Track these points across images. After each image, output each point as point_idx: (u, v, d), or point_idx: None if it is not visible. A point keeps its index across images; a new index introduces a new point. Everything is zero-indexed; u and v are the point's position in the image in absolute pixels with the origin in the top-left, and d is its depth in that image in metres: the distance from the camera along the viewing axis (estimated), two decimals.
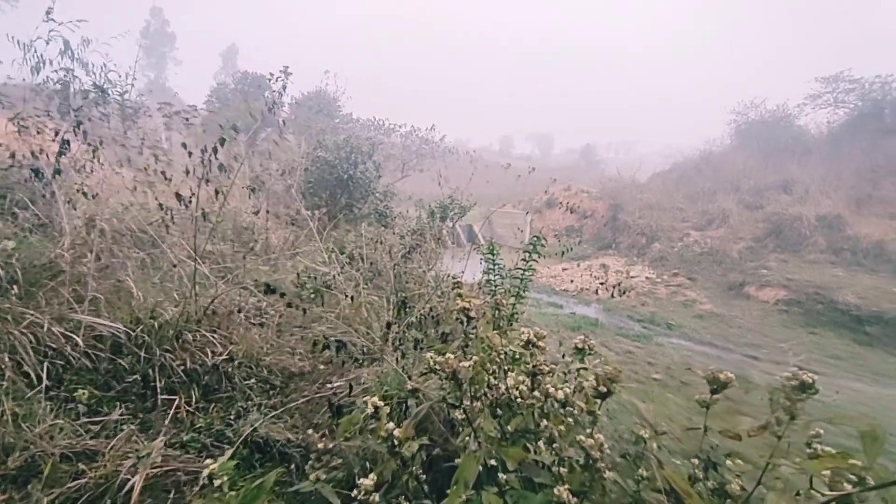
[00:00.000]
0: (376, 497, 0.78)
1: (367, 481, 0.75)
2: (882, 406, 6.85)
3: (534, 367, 1.09)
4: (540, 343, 1.13)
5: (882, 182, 15.53)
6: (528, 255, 3.77)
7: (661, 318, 11.05)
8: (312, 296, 3.69)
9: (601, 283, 13.37)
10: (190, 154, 2.62)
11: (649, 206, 21.34)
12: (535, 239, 3.83)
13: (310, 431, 1.08)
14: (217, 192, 2.39)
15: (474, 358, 1.02)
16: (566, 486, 0.87)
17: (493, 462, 0.92)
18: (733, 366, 8.23)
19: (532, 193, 29.71)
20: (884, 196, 14.61)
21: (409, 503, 0.88)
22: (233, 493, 0.79)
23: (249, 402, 2.21)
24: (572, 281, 15.16)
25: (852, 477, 1.03)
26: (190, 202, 2.42)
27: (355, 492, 0.77)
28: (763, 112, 23.40)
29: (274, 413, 2.09)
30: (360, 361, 2.64)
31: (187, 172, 2.87)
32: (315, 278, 3.82)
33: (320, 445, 0.88)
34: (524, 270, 3.86)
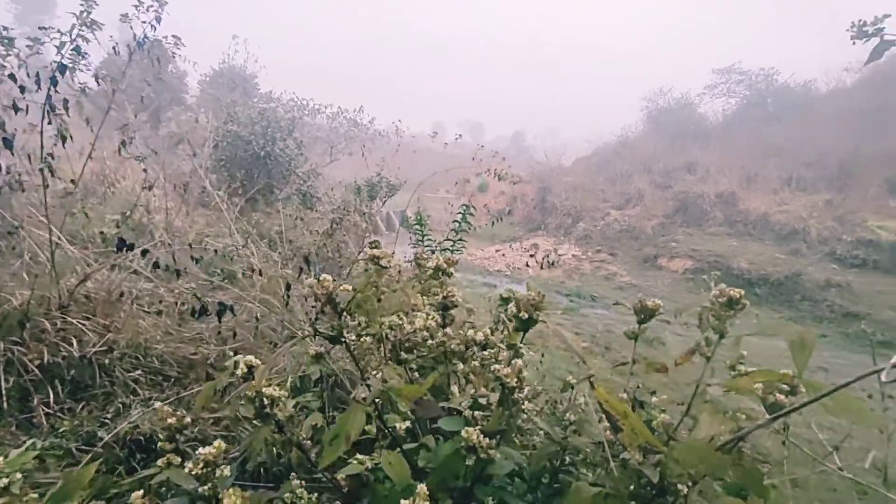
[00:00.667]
0: (226, 471, 0.60)
1: (208, 450, 0.57)
2: (768, 353, 7.80)
3: (444, 298, 0.96)
4: (450, 269, 0.99)
5: (766, 162, 17.63)
6: (461, 216, 3.69)
7: (586, 292, 11.70)
8: (224, 280, 3.32)
9: (531, 257, 13.84)
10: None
11: (574, 189, 22.45)
12: (464, 207, 3.76)
13: (158, 405, 0.85)
14: (62, 138, 1.96)
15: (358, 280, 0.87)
16: (478, 427, 0.75)
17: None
18: (652, 331, 8.93)
19: (464, 179, 30.04)
20: (767, 175, 16.59)
21: (285, 479, 0.71)
22: (34, 494, 0.57)
23: (134, 398, 1.89)
24: (504, 256, 15.58)
25: (784, 387, 1.03)
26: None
27: (189, 464, 0.59)
28: (670, 100, 25.46)
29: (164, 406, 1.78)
30: (274, 343, 2.39)
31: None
32: (228, 257, 3.44)
33: (171, 421, 0.68)
34: (457, 229, 3.77)
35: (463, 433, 0.73)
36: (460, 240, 3.98)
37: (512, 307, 0.97)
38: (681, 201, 16.55)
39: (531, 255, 14.32)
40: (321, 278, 0.67)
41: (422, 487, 0.63)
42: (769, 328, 1.05)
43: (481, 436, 0.73)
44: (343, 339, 0.70)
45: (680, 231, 14.67)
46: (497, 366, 0.87)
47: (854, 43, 1.25)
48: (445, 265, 1.01)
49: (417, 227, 3.75)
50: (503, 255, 16.30)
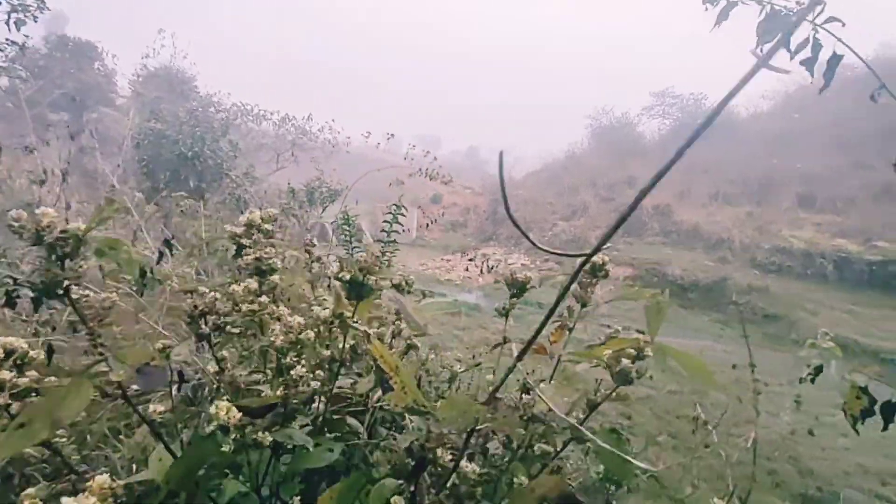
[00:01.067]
0: None
1: None
2: (695, 352, 8.23)
3: (257, 259, 0.81)
4: (266, 225, 0.85)
5: (697, 178, 18.97)
6: (392, 215, 3.59)
7: (533, 299, 11.86)
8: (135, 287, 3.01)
9: (481, 265, 13.95)
10: None
11: (524, 201, 23.09)
12: (394, 207, 3.66)
13: None
14: None
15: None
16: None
17: None
18: (591, 333, 9.19)
19: (417, 191, 30.12)
20: (698, 189, 17.85)
21: None
22: None
23: None
24: (454, 268, 15.61)
25: (632, 352, 1.01)
26: None
27: None
28: (612, 118, 26.98)
29: None
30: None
31: None
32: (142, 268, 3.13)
33: None
34: (388, 230, 3.65)
35: (212, 409, 0.58)
36: (392, 241, 3.87)
37: (336, 267, 0.81)
38: (620, 213, 17.38)
39: (475, 263, 14.44)
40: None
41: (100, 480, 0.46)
42: (631, 294, 1.03)
43: (235, 412, 0.57)
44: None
45: (621, 241, 15.37)
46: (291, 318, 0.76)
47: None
48: (261, 220, 0.85)
49: (345, 226, 3.60)
50: (453, 265, 16.34)
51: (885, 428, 1.08)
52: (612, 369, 1.03)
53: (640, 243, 14.96)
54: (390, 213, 3.91)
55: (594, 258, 1.14)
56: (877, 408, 1.06)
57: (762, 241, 12.55)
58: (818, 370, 1.90)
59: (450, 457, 0.67)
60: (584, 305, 1.21)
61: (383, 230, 3.93)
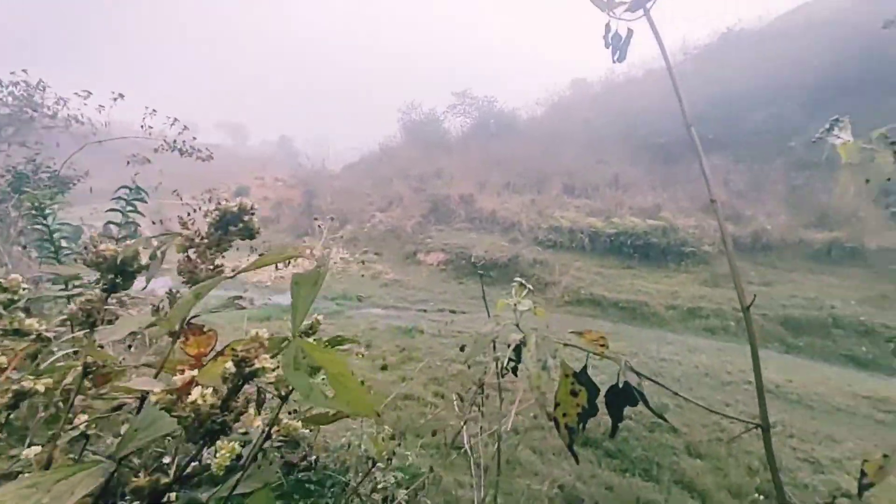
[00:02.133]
0: None
1: None
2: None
3: None
4: None
5: (493, 170, 21.61)
6: (124, 200, 2.72)
7: (352, 293, 11.61)
8: None
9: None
10: None
11: (340, 192, 22.46)
12: (125, 192, 2.80)
13: None
14: None
15: None
16: None
17: None
18: (412, 321, 9.45)
19: (220, 184, 26.17)
20: (494, 180, 20.33)
21: None
22: None
23: None
24: (261, 270, 14.09)
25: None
26: None
27: None
28: (421, 114, 28.47)
29: None
30: None
31: None
32: None
33: None
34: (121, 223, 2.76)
35: None
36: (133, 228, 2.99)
37: None
38: (433, 202, 18.53)
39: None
40: None
41: None
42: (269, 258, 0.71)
43: None
44: None
45: (433, 229, 16.34)
46: None
47: None
48: None
49: (39, 225, 2.59)
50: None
51: (612, 434, 0.99)
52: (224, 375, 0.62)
53: (449, 230, 16.17)
54: (120, 197, 3.02)
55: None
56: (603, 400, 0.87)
57: (542, 222, 15.04)
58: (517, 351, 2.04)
59: None
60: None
61: (110, 222, 3.02)
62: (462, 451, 4.64)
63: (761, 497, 4.17)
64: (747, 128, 17.61)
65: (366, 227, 18.31)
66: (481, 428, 4.88)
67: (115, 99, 5.13)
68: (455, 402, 5.75)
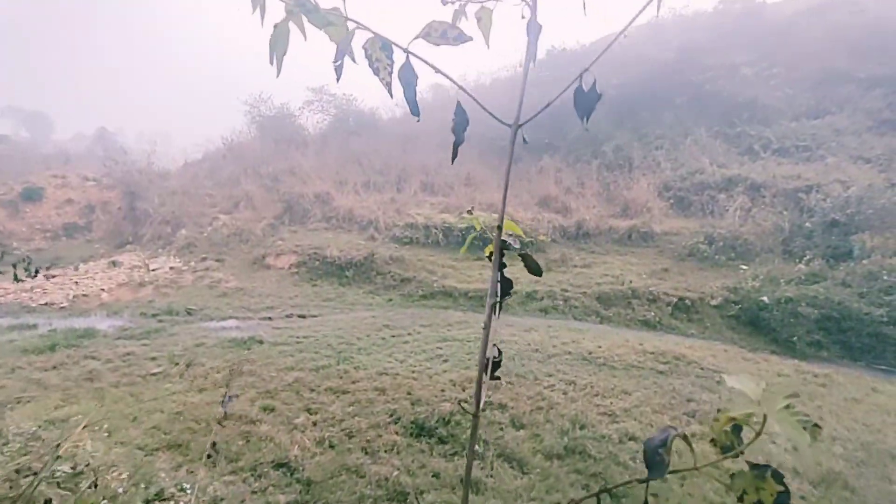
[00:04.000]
0: None
1: None
2: (343, 325, 8.98)
3: None
4: None
5: (352, 168, 21.03)
6: None
7: (180, 306, 10.01)
8: None
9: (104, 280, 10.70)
10: None
11: (174, 193, 19.37)
12: None
13: None
14: None
15: None
16: None
17: None
18: (251, 331, 8.49)
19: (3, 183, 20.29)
20: (353, 178, 19.79)
21: None
22: None
23: None
24: (63, 286, 11.30)
25: None
26: None
27: None
28: (272, 108, 26.24)
29: None
30: None
31: None
32: None
33: None
34: None
35: None
36: None
37: None
38: (287, 201, 17.22)
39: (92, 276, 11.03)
40: None
41: None
42: None
43: None
44: None
45: (285, 229, 15.17)
46: None
47: None
48: None
49: None
50: (59, 283, 11.82)
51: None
52: None
53: (304, 230, 15.19)
54: None
55: None
56: None
57: (399, 220, 15.09)
58: None
59: None
60: None
61: None
62: (284, 466, 4.22)
63: (568, 453, 4.67)
64: (572, 134, 20.33)
65: (206, 230, 16.09)
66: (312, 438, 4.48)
67: None
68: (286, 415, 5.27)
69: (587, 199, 15.99)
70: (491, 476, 4.30)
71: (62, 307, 10.19)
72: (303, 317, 9.68)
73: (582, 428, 5.17)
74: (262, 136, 26.36)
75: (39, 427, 4.80)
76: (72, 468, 3.57)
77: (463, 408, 5.23)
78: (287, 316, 9.72)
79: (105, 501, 3.32)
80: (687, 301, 10.28)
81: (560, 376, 6.63)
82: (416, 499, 3.86)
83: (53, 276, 12.34)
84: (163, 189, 20.54)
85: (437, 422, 5.08)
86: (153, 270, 12.86)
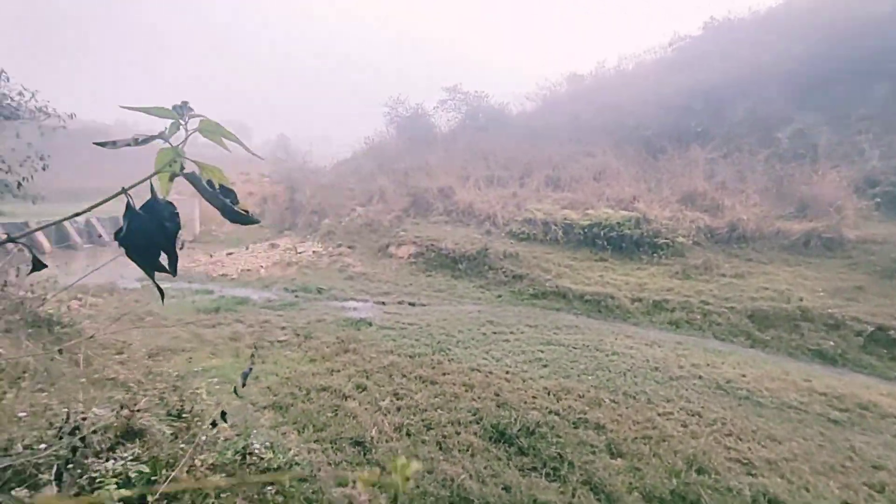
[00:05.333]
0: None
1: None
2: (448, 316, 8.97)
3: None
4: None
5: (475, 163, 21.22)
6: None
7: (314, 285, 11.31)
8: None
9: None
10: None
11: (322, 187, 22.17)
12: None
13: None
14: None
15: None
16: None
17: None
18: (365, 313, 9.13)
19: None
20: (475, 173, 19.94)
21: None
22: None
23: None
24: (236, 261, 13.83)
25: None
26: None
27: None
28: (408, 108, 28.10)
29: None
30: None
31: None
32: None
33: None
34: None
35: None
36: None
37: None
38: (413, 196, 18.19)
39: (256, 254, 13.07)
40: None
41: None
42: None
43: None
44: None
45: (409, 221, 16.01)
46: None
47: None
48: None
49: None
50: (234, 259, 14.47)
51: None
52: None
53: (425, 223, 15.83)
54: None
55: None
56: None
57: (518, 215, 14.64)
58: None
59: None
60: None
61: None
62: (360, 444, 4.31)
63: (676, 499, 3.81)
64: (733, 119, 17.07)
65: (344, 220, 17.99)
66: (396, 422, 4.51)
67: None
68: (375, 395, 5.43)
69: (747, 195, 13.21)
70: None
71: (232, 278, 12.44)
72: (412, 304, 10.03)
73: (700, 472, 4.17)
74: (399, 135, 28.45)
75: (188, 373, 5.85)
76: (189, 411, 4.19)
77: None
78: (399, 302, 10.19)
79: (204, 440, 3.81)
80: (892, 332, 7.67)
81: (681, 404, 5.52)
82: None
83: (230, 254, 15.19)
84: (314, 184, 23.70)
85: (520, 430, 4.65)
86: (300, 253, 14.86)
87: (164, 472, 3.06)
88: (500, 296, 10.72)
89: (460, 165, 21.39)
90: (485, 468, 4.09)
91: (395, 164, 23.74)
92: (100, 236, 18.03)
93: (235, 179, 26.20)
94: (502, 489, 3.82)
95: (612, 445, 4.54)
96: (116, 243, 0.89)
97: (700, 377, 6.29)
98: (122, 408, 2.88)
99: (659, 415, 5.20)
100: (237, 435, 4.18)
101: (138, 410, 2.98)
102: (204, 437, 3.85)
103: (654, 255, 11.42)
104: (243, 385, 2.44)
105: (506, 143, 23.51)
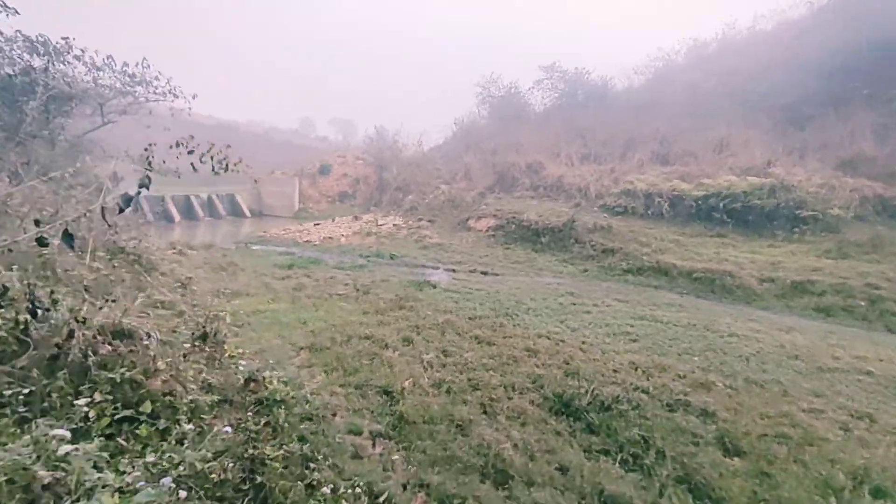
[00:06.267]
0: None
1: None
2: (522, 286, 7.93)
3: None
4: None
5: (570, 140, 19.46)
6: None
7: (387, 252, 11.04)
8: None
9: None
10: None
11: (408, 165, 22.25)
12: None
13: None
14: None
15: None
16: None
17: None
18: (432, 278, 8.53)
19: (303, 162, 27.82)
20: (569, 150, 18.26)
21: None
22: None
23: None
24: (320, 230, 14.30)
25: None
26: None
27: None
28: (501, 88, 27.03)
29: None
30: None
31: None
32: None
33: None
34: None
35: None
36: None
37: None
38: (499, 172, 17.24)
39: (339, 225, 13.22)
40: None
41: None
42: None
43: None
44: None
45: (491, 196, 15.12)
46: None
47: None
48: None
49: None
50: (319, 229, 14.98)
51: None
52: None
53: (509, 198, 14.82)
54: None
55: None
56: None
57: (614, 188, 12.89)
58: None
59: None
60: None
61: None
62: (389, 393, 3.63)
63: None
64: None
65: (427, 197, 17.73)
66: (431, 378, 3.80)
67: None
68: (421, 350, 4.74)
69: None
70: None
71: (315, 244, 12.78)
72: (485, 273, 9.18)
73: (878, 495, 2.71)
74: (490, 115, 27.51)
75: (252, 310, 5.76)
76: (213, 335, 3.89)
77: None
78: (471, 271, 9.41)
79: (232, 364, 3.45)
80: None
81: (839, 401, 3.89)
82: (517, 486, 2.60)
83: (317, 224, 15.80)
84: (400, 162, 23.95)
85: (590, 404, 3.56)
86: (380, 225, 14.87)
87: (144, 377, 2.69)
88: (585, 270, 9.34)
89: (552, 143, 19.78)
90: (536, 441, 3.12)
91: (484, 143, 22.91)
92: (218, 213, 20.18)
93: (332, 160, 27.70)
94: (556, 469, 2.82)
95: (725, 439, 3.23)
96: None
97: (867, 372, 4.47)
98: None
99: (802, 410, 3.68)
100: (267, 368, 3.80)
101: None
102: (216, 360, 3.49)
103: (794, 229, 9.01)
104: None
105: (607, 119, 21.27)
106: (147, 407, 2.41)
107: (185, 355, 3.08)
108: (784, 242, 8.84)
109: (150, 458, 2.12)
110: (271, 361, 4.05)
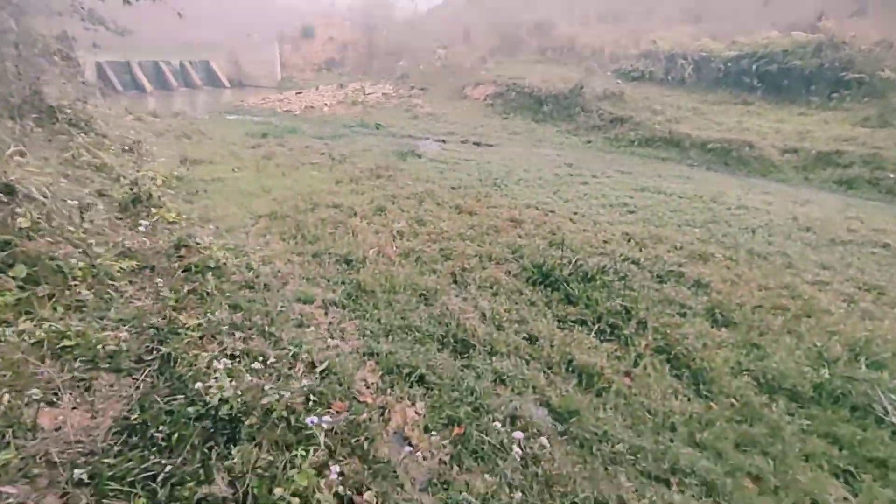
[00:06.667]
0: None
1: None
2: (516, 157, 7.24)
3: None
4: None
5: (593, 1, 16.59)
6: None
7: (372, 122, 10.06)
8: None
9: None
10: None
11: (403, 26, 19.55)
12: None
13: None
14: None
15: None
16: None
17: None
18: (418, 148, 7.76)
19: (282, 22, 24.45)
20: (586, 9, 15.66)
21: None
22: None
23: None
24: (302, 99, 13.00)
25: None
26: None
27: None
28: None
29: None
30: None
31: None
32: None
33: None
34: None
35: None
36: None
37: None
38: (501, 33, 15.06)
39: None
40: None
41: None
42: None
43: None
44: None
45: (492, 61, 13.39)
46: None
47: None
48: None
49: None
50: (301, 98, 13.61)
51: None
52: None
53: (511, 62, 13.13)
54: None
55: None
56: None
57: (633, 48, 11.21)
58: None
59: None
60: None
61: None
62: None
63: (817, 392, 2.25)
64: None
65: (422, 64, 15.81)
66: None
67: None
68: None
69: None
70: (628, 376, 2.37)
71: (295, 114, 11.67)
72: (478, 144, 8.38)
73: (874, 367, 2.46)
74: None
75: (212, 177, 5.22)
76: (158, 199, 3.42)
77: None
78: (462, 142, 8.60)
79: (166, 230, 3.06)
80: None
81: (849, 273, 3.54)
82: (478, 355, 2.35)
83: (299, 93, 14.35)
84: (400, 30, 21.02)
85: (571, 274, 3.21)
86: (368, 94, 13.45)
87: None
88: (589, 141, 8.51)
89: (570, 4, 16.92)
90: (507, 311, 2.82)
91: (487, 2, 19.75)
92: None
93: (316, 21, 24.40)
94: (523, 338, 2.55)
95: (716, 310, 2.93)
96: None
97: (886, 245, 4.06)
98: None
99: (806, 283, 3.34)
100: (227, 232, 3.40)
101: None
102: (141, 225, 3.07)
103: (833, 94, 7.90)
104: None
105: None
106: (20, 270, 2.03)
107: (111, 220, 2.61)
108: (818, 110, 7.82)
109: (24, 325, 1.80)
110: (222, 229, 3.65)
